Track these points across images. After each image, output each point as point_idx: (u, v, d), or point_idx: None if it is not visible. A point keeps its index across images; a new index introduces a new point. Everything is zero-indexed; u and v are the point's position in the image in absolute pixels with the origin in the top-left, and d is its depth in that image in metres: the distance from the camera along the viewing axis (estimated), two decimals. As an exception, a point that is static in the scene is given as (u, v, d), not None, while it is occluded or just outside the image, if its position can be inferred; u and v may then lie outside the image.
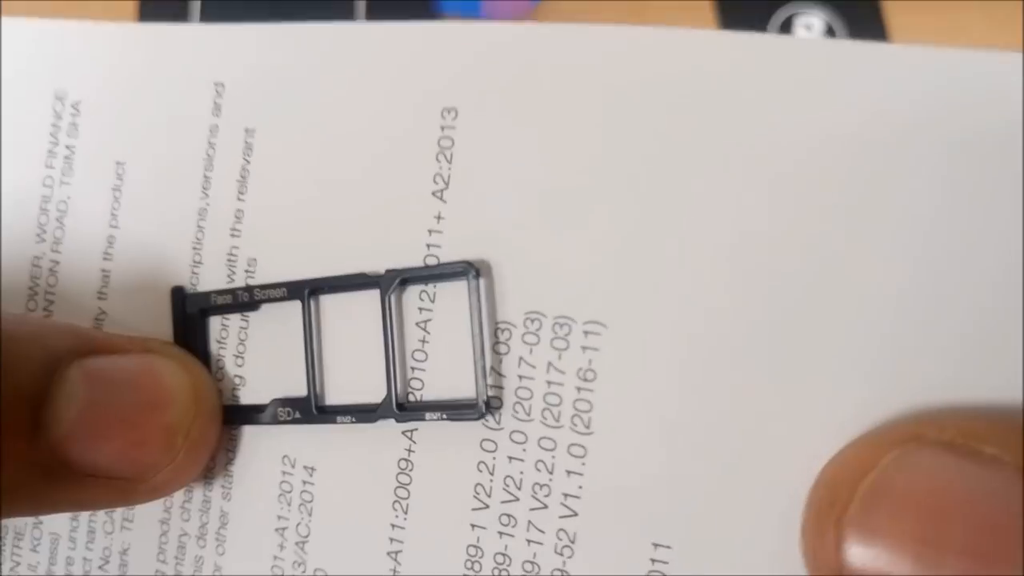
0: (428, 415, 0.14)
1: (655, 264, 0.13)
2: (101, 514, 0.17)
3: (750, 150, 0.12)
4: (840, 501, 0.10)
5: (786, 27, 0.54)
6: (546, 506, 0.13)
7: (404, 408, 0.14)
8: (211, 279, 0.16)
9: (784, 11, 0.54)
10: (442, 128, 0.14)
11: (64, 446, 0.14)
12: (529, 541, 0.13)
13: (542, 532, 0.13)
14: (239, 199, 0.15)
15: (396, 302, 0.14)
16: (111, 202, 0.17)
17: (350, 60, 0.15)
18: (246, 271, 0.15)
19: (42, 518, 0.17)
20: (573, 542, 0.13)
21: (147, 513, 0.16)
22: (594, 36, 0.13)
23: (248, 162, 0.15)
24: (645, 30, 0.13)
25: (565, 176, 0.13)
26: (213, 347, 0.16)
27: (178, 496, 0.16)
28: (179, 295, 0.16)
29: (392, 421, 0.14)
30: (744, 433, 0.12)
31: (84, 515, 0.17)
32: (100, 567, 0.17)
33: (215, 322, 0.16)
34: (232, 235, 0.16)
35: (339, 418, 0.14)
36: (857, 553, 0.10)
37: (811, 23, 0.54)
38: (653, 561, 0.13)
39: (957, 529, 0.10)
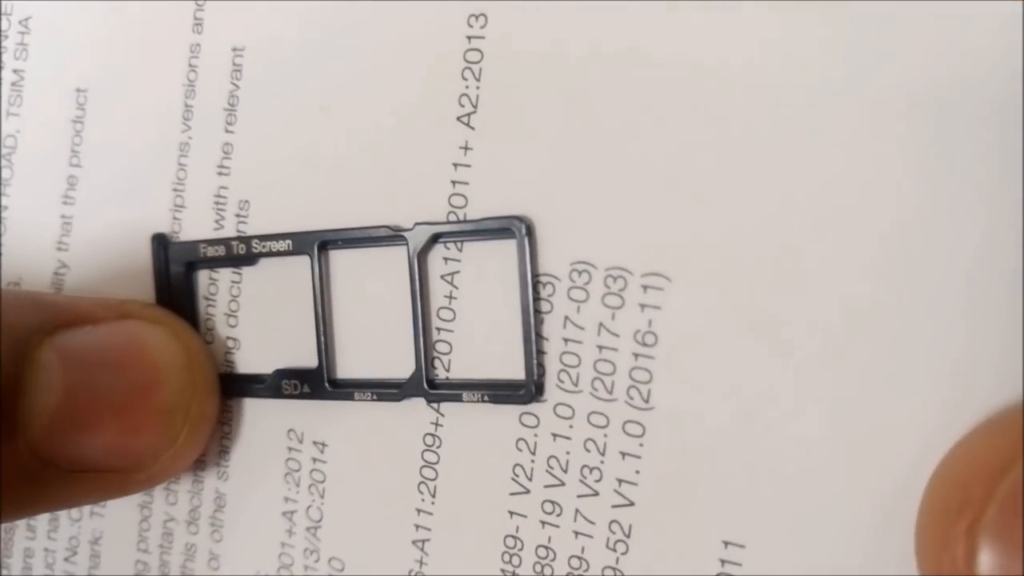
0: (466, 396, 0.12)
1: (730, 206, 0.11)
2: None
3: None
4: (973, 503, 0.09)
5: None
6: (597, 493, 0.11)
7: (436, 386, 0.12)
8: (196, 225, 0.14)
9: None
10: (468, 39, 0.12)
11: (46, 442, 0.12)
12: (577, 533, 0.12)
13: (592, 523, 0.12)
14: (227, 130, 0.14)
15: (424, 260, 0.12)
16: (71, 136, 0.15)
17: None
18: (237, 216, 0.14)
19: None
20: (628, 536, 0.11)
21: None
22: None
23: (237, 87, 0.13)
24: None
25: (619, 99, 0.11)
26: (200, 305, 0.14)
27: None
28: (161, 245, 0.14)
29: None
30: (834, 413, 0.10)
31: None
32: (67, 559, 0.15)
33: (203, 276, 0.14)
34: (220, 173, 0.14)
35: (356, 394, 0.13)
36: (996, 565, 0.08)
37: None
38: (723, 562, 0.11)
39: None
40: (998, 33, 0.09)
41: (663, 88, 0.11)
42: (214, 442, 0.14)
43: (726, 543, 0.11)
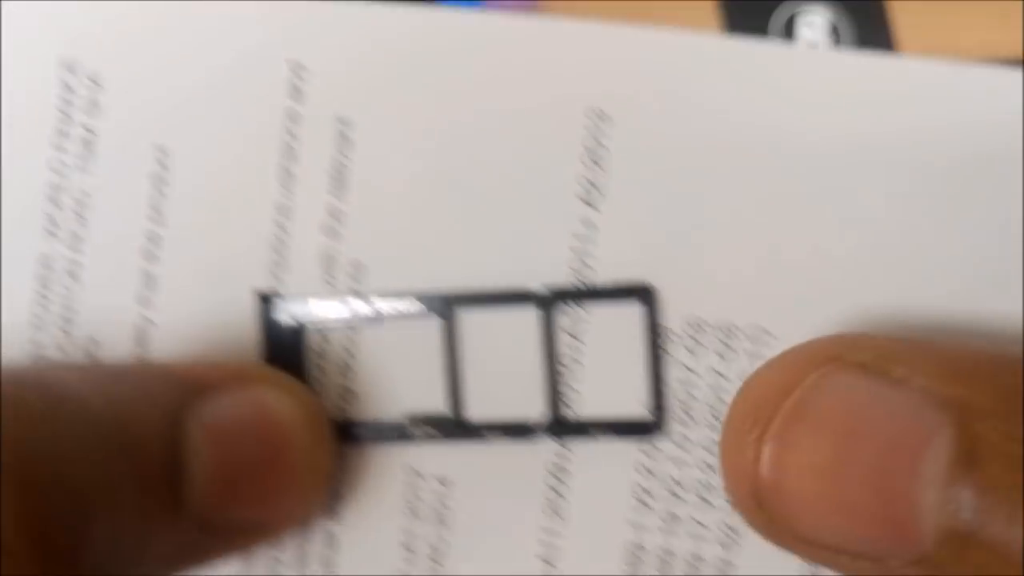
0: (593, 431, 0.14)
1: (818, 271, 0.14)
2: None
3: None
4: (762, 420, 0.12)
5: (789, 25, 0.54)
6: (712, 505, 0.14)
7: (564, 425, 0.14)
8: (300, 285, 0.15)
9: (787, 8, 0.55)
10: (589, 131, 0.14)
11: (206, 512, 0.13)
12: (692, 536, 0.14)
13: (706, 528, 0.14)
14: (335, 197, 0.14)
15: (551, 317, 0.14)
16: (151, 193, 0.15)
17: (480, 51, 0.14)
18: (350, 275, 0.15)
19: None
20: (738, 535, 0.14)
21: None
22: (757, 52, 0.14)
23: (345, 156, 0.14)
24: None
25: (725, 186, 0.14)
26: (311, 359, 0.15)
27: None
28: (267, 303, 0.15)
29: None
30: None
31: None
32: None
33: (312, 332, 0.15)
34: (328, 236, 0.14)
35: (488, 435, 0.14)
36: (776, 466, 0.12)
37: (814, 21, 0.55)
38: None
39: (864, 447, 0.11)
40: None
41: (762, 165, 0.14)
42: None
43: None
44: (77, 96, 0.15)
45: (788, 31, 0.52)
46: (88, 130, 0.15)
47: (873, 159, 0.13)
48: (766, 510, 0.12)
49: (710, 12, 0.52)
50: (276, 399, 0.14)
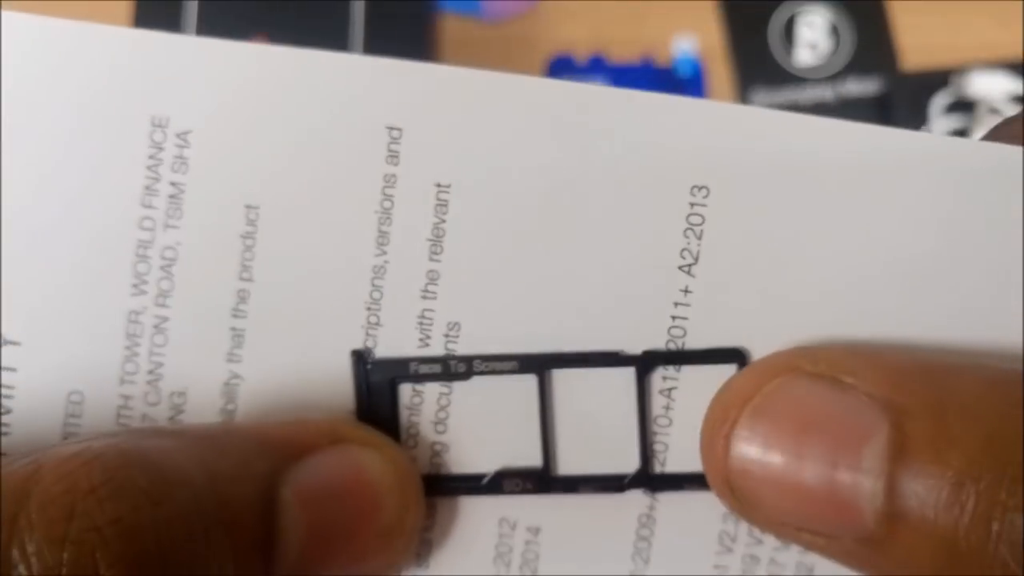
0: (686, 485, 0.15)
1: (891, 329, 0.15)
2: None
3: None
4: (730, 419, 0.14)
5: (790, 23, 0.55)
6: (788, 547, 0.15)
7: (655, 478, 0.15)
8: (394, 344, 0.15)
9: (788, 7, 0.56)
10: (691, 205, 0.15)
11: (296, 574, 0.13)
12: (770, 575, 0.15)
13: (782, 566, 0.15)
14: (433, 259, 0.15)
15: (646, 380, 0.15)
16: (240, 250, 0.15)
17: (586, 123, 0.15)
18: (446, 336, 0.15)
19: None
20: (812, 570, 0.15)
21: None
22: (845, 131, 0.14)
23: (443, 220, 0.15)
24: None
25: (812, 261, 0.15)
26: (403, 414, 0.15)
27: None
28: (362, 360, 0.15)
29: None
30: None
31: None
32: None
33: (405, 389, 0.15)
34: (425, 297, 0.15)
35: (581, 488, 0.15)
36: (741, 457, 0.14)
37: (815, 20, 0.55)
38: None
39: (816, 441, 0.13)
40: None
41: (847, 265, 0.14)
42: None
43: None
44: (165, 153, 0.15)
45: (788, 31, 0.54)
46: (176, 186, 0.15)
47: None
48: (737, 496, 0.14)
49: (710, 13, 0.54)
50: (368, 459, 0.15)
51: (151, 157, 0.15)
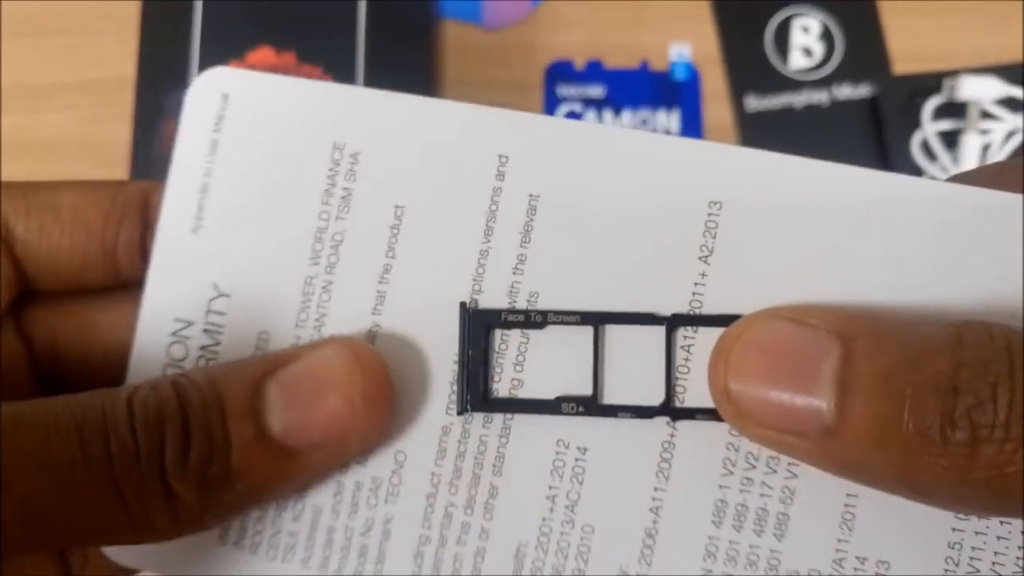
0: (699, 416, 0.20)
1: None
2: (365, 489, 0.21)
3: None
4: (726, 349, 0.18)
5: (783, 28, 0.57)
6: (776, 471, 0.20)
7: (675, 410, 0.20)
8: (492, 303, 0.21)
9: (781, 13, 0.57)
10: (709, 214, 0.20)
11: (281, 438, 0.19)
12: (761, 495, 0.20)
13: (771, 488, 0.20)
14: (522, 246, 0.20)
15: (673, 335, 0.20)
16: (388, 237, 0.21)
17: (633, 160, 0.20)
18: (527, 300, 0.20)
19: (304, 493, 0.21)
20: (794, 493, 0.20)
21: (413, 489, 0.21)
22: (837, 174, 0.19)
23: (532, 219, 0.20)
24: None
25: (803, 255, 0.19)
26: (494, 353, 0.21)
27: (446, 474, 0.21)
28: (467, 309, 0.20)
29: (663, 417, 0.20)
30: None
31: (347, 490, 0.21)
32: (362, 534, 0.21)
33: (496, 335, 0.21)
34: (515, 272, 0.20)
35: (620, 413, 0.20)
36: (733, 376, 0.18)
37: (808, 25, 0.57)
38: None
39: (786, 362, 0.18)
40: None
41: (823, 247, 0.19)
42: (492, 449, 0.21)
43: None
44: (341, 166, 0.21)
45: (782, 36, 0.56)
46: (347, 191, 0.21)
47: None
48: (733, 408, 0.18)
49: (706, 14, 0.56)
50: (329, 352, 0.20)
51: (330, 169, 0.21)
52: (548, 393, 0.21)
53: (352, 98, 0.21)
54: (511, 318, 0.20)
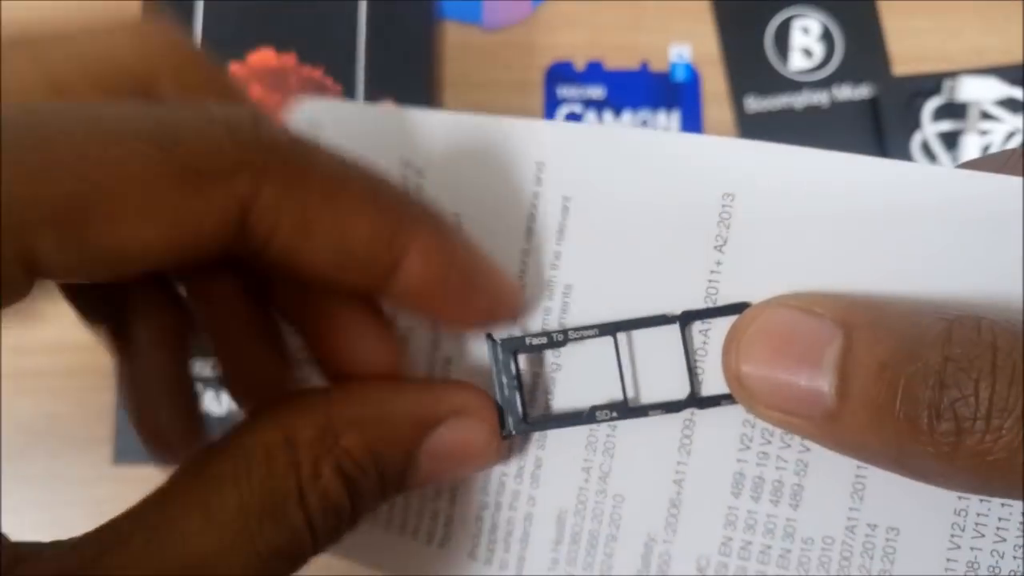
0: (723, 403, 0.22)
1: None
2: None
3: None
4: (738, 337, 0.20)
5: (783, 29, 0.58)
6: (790, 446, 0.22)
7: (704, 399, 0.22)
8: (531, 300, 0.23)
9: (781, 14, 0.58)
10: (723, 205, 0.22)
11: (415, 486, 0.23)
12: (777, 467, 0.22)
13: (786, 462, 0.22)
14: (557, 244, 0.23)
15: (688, 330, 0.22)
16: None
17: (651, 158, 0.22)
18: (563, 294, 0.23)
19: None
20: (807, 467, 0.22)
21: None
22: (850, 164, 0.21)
23: (565, 220, 0.23)
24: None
25: (813, 246, 0.22)
26: (524, 376, 0.24)
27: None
28: (493, 339, 0.23)
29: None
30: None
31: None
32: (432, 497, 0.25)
33: (522, 358, 0.24)
34: (551, 268, 0.23)
35: (651, 412, 0.22)
36: (743, 360, 0.20)
37: (808, 26, 0.58)
38: None
39: (792, 348, 0.19)
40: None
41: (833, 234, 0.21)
42: (534, 442, 0.24)
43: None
44: (408, 181, 0.25)
45: (782, 38, 0.57)
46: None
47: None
48: (744, 391, 0.20)
49: (706, 15, 0.57)
50: (471, 426, 0.23)
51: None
52: (581, 402, 0.23)
53: (415, 119, 0.25)
54: (534, 342, 0.23)
